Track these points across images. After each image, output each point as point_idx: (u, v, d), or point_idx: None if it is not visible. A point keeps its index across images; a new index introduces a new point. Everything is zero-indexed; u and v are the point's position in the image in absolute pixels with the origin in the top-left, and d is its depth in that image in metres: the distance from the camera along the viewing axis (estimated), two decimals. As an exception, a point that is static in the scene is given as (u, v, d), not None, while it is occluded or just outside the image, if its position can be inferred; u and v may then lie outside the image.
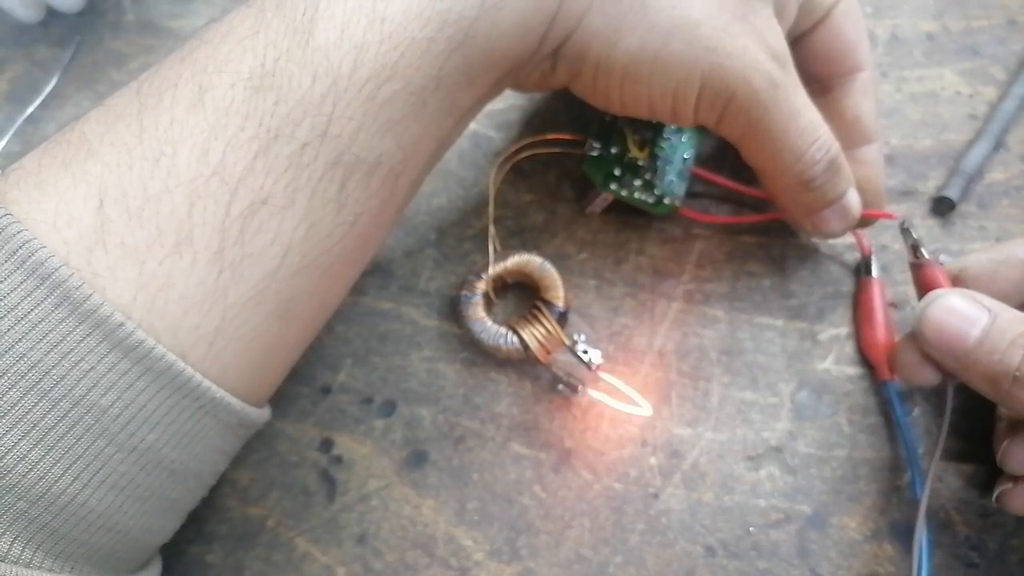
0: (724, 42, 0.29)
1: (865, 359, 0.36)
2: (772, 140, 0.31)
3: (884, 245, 0.38)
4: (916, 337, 0.31)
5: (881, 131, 0.36)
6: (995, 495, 0.32)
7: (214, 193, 0.24)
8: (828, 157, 0.32)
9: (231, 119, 0.24)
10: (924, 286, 0.33)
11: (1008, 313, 0.29)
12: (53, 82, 0.43)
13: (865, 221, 0.35)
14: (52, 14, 0.44)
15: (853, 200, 0.33)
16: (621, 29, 0.29)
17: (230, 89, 0.24)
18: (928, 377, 0.32)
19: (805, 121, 0.31)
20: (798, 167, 0.32)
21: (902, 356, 0.32)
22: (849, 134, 0.35)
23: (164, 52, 0.27)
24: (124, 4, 0.45)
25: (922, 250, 0.33)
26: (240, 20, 0.26)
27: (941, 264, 0.33)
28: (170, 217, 0.24)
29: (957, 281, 0.33)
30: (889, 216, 0.35)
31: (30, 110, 0.42)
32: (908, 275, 0.36)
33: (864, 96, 0.35)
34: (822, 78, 0.35)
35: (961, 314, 0.30)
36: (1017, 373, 0.28)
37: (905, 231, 0.34)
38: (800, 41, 0.35)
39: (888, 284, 0.37)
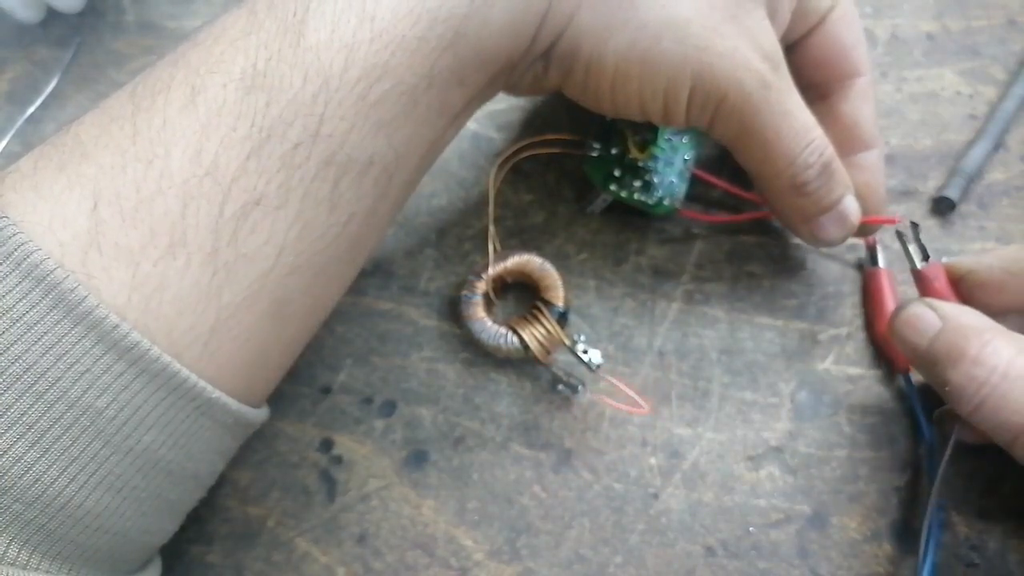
0: (715, 42, 0.29)
1: (878, 353, 0.36)
2: (764, 142, 0.31)
3: (885, 245, 0.37)
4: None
5: (880, 137, 0.36)
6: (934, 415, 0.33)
7: (207, 194, 0.24)
8: (822, 161, 0.31)
9: (223, 120, 0.24)
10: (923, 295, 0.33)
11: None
12: (53, 82, 0.43)
13: (866, 228, 0.35)
14: (52, 14, 0.44)
15: (851, 206, 0.33)
16: (611, 27, 0.29)
17: (222, 90, 0.24)
18: None
19: (798, 123, 0.31)
20: (791, 170, 0.31)
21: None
22: (848, 140, 0.34)
23: (164, 52, 0.27)
24: (124, 4, 0.45)
25: (914, 258, 0.33)
26: (232, 22, 0.26)
27: (929, 269, 0.33)
28: (163, 218, 0.24)
29: (961, 284, 0.32)
30: (891, 221, 0.35)
31: (30, 110, 0.42)
32: (910, 275, 0.36)
33: (862, 101, 0.35)
34: (819, 84, 0.35)
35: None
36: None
37: (900, 236, 0.34)
38: (796, 46, 0.34)
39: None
